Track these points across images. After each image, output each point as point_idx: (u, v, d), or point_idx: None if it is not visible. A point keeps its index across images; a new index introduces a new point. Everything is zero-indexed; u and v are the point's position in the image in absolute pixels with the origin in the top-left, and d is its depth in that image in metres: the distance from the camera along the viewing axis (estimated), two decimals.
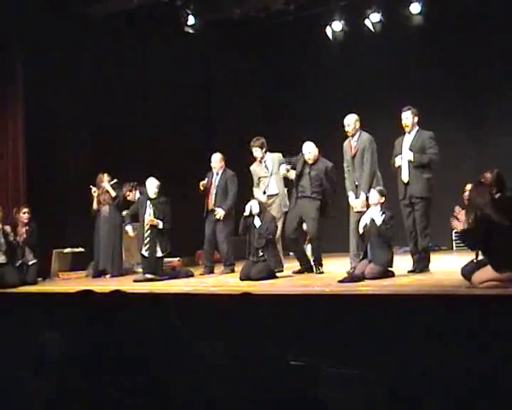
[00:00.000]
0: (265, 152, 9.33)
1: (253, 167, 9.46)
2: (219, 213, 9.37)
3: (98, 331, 3.22)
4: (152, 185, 9.16)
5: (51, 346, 3.62)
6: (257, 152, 9.32)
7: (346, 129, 8.15)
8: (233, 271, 9.45)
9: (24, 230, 9.35)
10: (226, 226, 9.53)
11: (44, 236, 9.59)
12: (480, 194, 5.89)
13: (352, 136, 8.15)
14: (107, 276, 10.01)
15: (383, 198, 7.51)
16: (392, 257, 7.48)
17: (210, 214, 9.57)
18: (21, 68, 10.61)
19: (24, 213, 9.42)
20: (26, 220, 9.36)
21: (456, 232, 6.41)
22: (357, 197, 8.03)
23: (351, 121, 8.14)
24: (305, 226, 8.83)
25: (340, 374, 3.85)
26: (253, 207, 8.32)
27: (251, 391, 3.07)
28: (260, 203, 8.41)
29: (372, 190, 7.72)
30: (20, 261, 9.24)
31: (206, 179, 9.61)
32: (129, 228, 9.59)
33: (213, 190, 9.60)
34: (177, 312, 3.67)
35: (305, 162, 8.61)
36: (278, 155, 9.28)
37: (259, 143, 9.31)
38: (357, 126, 8.14)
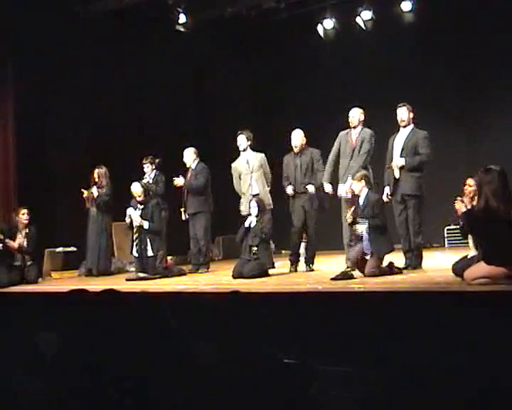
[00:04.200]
0: (249, 146, 9.17)
1: (235, 164, 9.26)
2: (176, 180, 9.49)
3: (91, 330, 3.22)
4: (137, 189, 9.12)
5: (44, 345, 3.61)
6: (241, 140, 9.12)
7: (350, 120, 8.20)
8: (208, 269, 9.58)
9: (23, 233, 9.29)
10: (203, 221, 9.56)
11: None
12: (489, 181, 5.86)
13: (354, 127, 8.18)
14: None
15: (363, 182, 7.44)
16: (390, 244, 7.43)
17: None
18: (12, 68, 10.58)
19: (23, 214, 9.36)
20: (25, 222, 9.30)
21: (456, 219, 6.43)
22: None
23: (356, 114, 8.21)
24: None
25: (332, 372, 3.86)
26: (252, 208, 8.31)
27: (244, 391, 3.08)
28: (260, 204, 8.39)
29: (350, 180, 7.71)
30: (18, 263, 9.22)
31: (181, 177, 9.68)
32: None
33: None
34: (170, 310, 3.67)
35: (293, 154, 8.63)
36: (262, 155, 9.15)
37: (247, 134, 9.16)
38: (361, 119, 8.21)
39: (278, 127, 12.75)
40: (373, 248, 7.26)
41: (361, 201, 7.43)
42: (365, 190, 7.43)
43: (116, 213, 10.26)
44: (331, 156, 8.30)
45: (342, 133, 8.32)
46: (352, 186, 7.58)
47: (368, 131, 8.21)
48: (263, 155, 9.15)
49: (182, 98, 12.83)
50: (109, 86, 11.37)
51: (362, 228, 7.31)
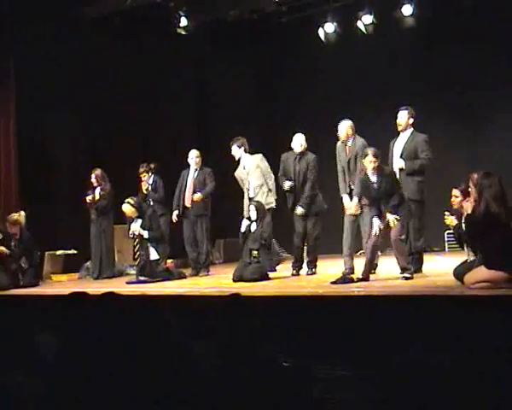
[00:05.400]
0: (244, 152, 9.17)
1: (237, 172, 9.29)
2: (196, 196, 9.45)
3: (91, 333, 3.22)
4: (128, 209, 9.15)
5: (44, 348, 3.62)
6: (234, 150, 9.16)
7: (339, 134, 8.11)
8: (208, 272, 9.58)
9: (15, 239, 9.28)
10: (205, 224, 9.58)
11: (36, 238, 9.54)
12: (489, 185, 5.87)
13: (343, 141, 8.10)
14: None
15: (374, 162, 7.18)
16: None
17: (187, 212, 9.62)
18: (14, 70, 10.59)
19: (11, 223, 9.31)
20: (13, 231, 9.24)
21: (451, 229, 6.50)
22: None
23: (343, 128, 8.08)
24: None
25: (333, 375, 3.86)
26: (251, 212, 8.33)
27: (243, 393, 3.08)
28: (259, 209, 8.39)
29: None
30: (15, 266, 9.21)
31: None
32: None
33: (190, 187, 9.63)
34: (170, 313, 3.68)
35: (293, 155, 8.65)
36: (257, 156, 9.16)
37: (239, 142, 9.16)
38: (350, 133, 8.06)
39: (280, 130, 12.77)
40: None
41: (374, 179, 7.27)
42: (376, 169, 7.24)
43: (115, 217, 10.26)
44: (340, 169, 8.19)
45: (338, 144, 8.25)
46: (368, 165, 7.26)
47: (360, 143, 8.03)
48: (259, 155, 9.16)
49: (182, 100, 12.84)
50: (110, 88, 11.36)
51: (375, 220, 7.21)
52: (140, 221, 8.99)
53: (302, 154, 8.64)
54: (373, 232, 7.19)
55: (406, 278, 7.08)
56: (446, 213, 6.57)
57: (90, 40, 11.14)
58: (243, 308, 3.66)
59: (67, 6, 10.72)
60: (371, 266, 7.36)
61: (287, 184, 8.60)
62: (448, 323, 4.69)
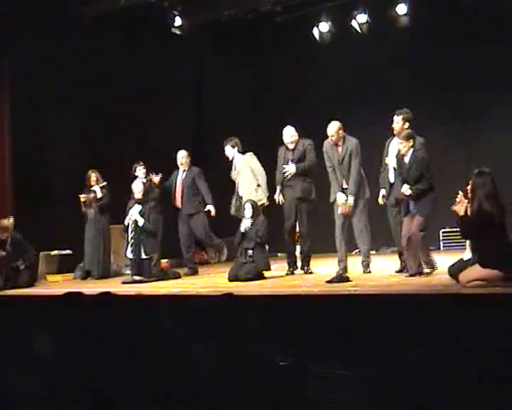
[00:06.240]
0: (237, 152, 9.16)
1: (231, 174, 9.28)
2: (212, 210, 9.50)
3: (87, 333, 3.22)
4: (138, 187, 9.20)
5: (41, 347, 3.61)
6: (228, 151, 9.18)
7: (330, 137, 8.01)
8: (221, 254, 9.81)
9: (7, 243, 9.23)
10: (199, 221, 9.63)
11: (31, 238, 9.51)
12: (482, 184, 5.88)
13: (336, 143, 8.01)
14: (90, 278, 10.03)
15: (411, 141, 7.20)
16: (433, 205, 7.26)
17: (180, 212, 9.67)
18: (8, 69, 10.55)
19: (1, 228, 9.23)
20: (2, 237, 9.18)
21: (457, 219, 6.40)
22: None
23: (333, 130, 7.97)
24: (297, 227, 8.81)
25: (328, 374, 3.86)
26: (246, 210, 8.34)
27: (241, 392, 3.07)
28: (254, 207, 8.39)
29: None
30: (11, 265, 9.17)
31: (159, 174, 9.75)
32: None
33: (179, 188, 9.68)
34: (165, 313, 3.67)
35: (286, 150, 8.62)
36: (247, 155, 9.16)
37: (232, 143, 9.16)
38: (341, 134, 7.99)
39: (278, 130, 12.74)
40: (416, 208, 7.11)
41: (406, 160, 7.25)
42: (411, 150, 7.23)
43: (112, 216, 10.25)
44: (329, 170, 8.08)
45: (326, 145, 8.12)
46: (399, 146, 7.34)
47: (353, 141, 8.00)
48: (249, 154, 9.16)
49: (181, 100, 12.82)
50: (110, 88, 11.34)
51: (405, 188, 7.17)
52: (140, 207, 9.02)
53: (296, 145, 8.60)
54: (407, 193, 7.14)
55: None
56: (460, 192, 6.44)
57: (90, 40, 11.11)
58: (237, 307, 3.66)
59: (67, 5, 10.70)
60: (424, 259, 7.23)
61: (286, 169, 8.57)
62: (445, 322, 4.69)
